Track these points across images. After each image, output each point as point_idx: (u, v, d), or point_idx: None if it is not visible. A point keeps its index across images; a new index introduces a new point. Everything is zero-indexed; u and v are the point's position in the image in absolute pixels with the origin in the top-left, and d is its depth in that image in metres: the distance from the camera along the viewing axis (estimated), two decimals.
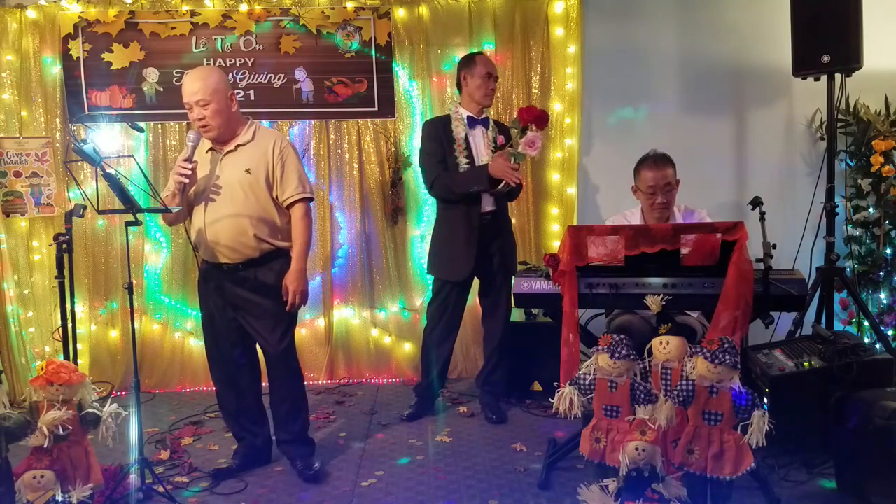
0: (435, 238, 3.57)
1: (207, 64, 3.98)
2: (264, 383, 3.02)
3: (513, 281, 2.84)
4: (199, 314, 3.00)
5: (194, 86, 2.71)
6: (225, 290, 2.84)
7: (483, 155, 3.40)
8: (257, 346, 2.95)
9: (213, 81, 2.73)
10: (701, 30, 4.14)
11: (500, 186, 3.26)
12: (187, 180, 2.72)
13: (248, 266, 2.80)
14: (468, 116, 3.44)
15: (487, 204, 3.40)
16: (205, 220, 2.78)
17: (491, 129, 3.44)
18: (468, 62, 3.46)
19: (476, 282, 3.60)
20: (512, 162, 3.22)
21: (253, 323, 2.85)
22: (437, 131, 3.44)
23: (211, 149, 2.86)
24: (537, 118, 3.25)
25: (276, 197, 2.82)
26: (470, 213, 3.39)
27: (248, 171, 2.77)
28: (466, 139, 3.41)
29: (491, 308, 3.57)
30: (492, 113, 3.69)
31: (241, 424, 3.00)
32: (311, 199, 2.89)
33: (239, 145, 2.82)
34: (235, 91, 2.85)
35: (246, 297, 2.81)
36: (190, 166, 2.71)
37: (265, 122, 3.80)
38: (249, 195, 2.77)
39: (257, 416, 3.02)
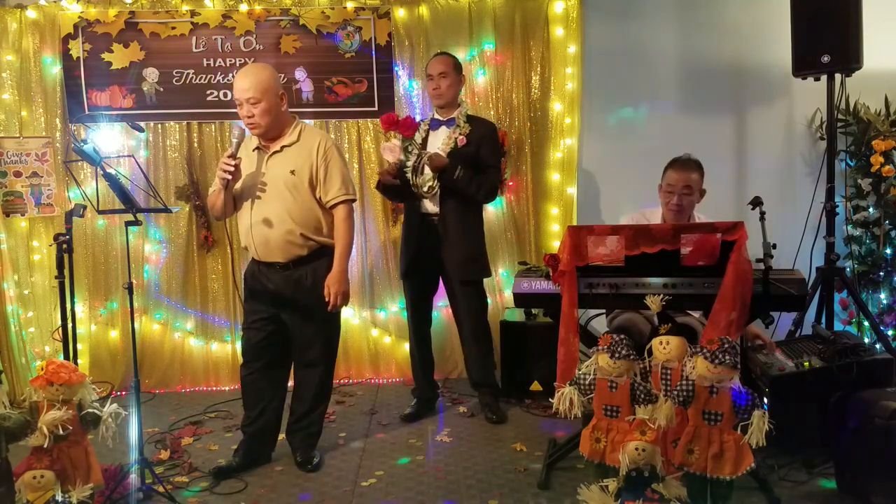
0: None
1: (208, 64, 3.99)
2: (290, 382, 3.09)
3: (512, 282, 2.84)
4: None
5: (246, 82, 2.76)
6: (272, 288, 2.90)
7: None
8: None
9: (265, 79, 2.78)
10: (701, 30, 4.14)
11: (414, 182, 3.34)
12: (230, 177, 2.75)
13: (298, 264, 2.87)
14: (433, 119, 3.48)
15: (429, 206, 3.41)
16: (251, 220, 2.84)
17: (456, 128, 3.40)
18: None
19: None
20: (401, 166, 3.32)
21: (294, 321, 2.92)
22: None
23: (257, 147, 2.89)
24: (393, 126, 3.34)
25: (320, 198, 2.87)
26: (412, 214, 3.48)
27: (292, 172, 2.82)
28: (425, 141, 3.44)
29: (455, 313, 3.60)
30: (469, 110, 3.62)
31: (258, 394, 3.00)
32: (354, 200, 2.95)
33: (284, 146, 2.86)
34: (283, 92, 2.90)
35: (291, 297, 2.88)
36: (233, 163, 2.74)
37: None
38: (296, 196, 2.82)
39: (274, 395, 3.02)
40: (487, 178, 3.40)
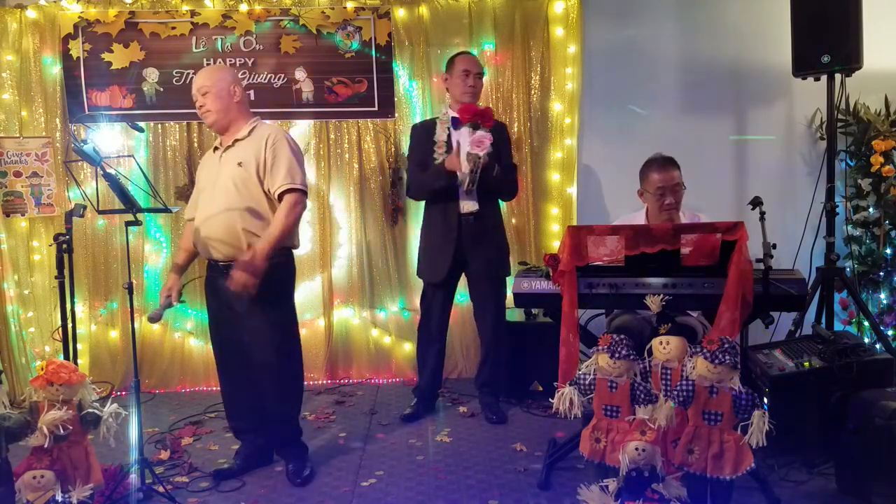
0: (420, 239, 3.61)
1: (208, 64, 3.98)
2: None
3: (512, 281, 2.84)
4: (206, 315, 3.03)
5: (199, 79, 2.84)
6: (221, 290, 2.78)
7: None
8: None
9: (217, 74, 2.85)
10: (701, 30, 4.14)
11: (462, 179, 3.27)
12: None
13: None
14: (453, 118, 3.43)
15: (467, 205, 3.38)
16: (201, 217, 2.80)
17: (481, 129, 3.36)
18: (449, 63, 3.50)
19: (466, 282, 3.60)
20: (468, 163, 3.24)
21: (247, 324, 2.80)
22: (420, 135, 3.49)
23: (215, 148, 2.89)
24: (476, 116, 3.27)
25: (268, 190, 2.78)
26: (447, 214, 3.40)
27: (239, 164, 2.76)
28: (449, 140, 3.40)
29: (480, 311, 3.56)
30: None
31: (244, 421, 2.96)
32: (301, 191, 2.76)
33: (236, 140, 2.83)
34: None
35: (238, 298, 2.72)
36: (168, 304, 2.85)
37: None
38: (241, 189, 2.74)
39: (261, 419, 2.96)
40: (512, 176, 3.53)
